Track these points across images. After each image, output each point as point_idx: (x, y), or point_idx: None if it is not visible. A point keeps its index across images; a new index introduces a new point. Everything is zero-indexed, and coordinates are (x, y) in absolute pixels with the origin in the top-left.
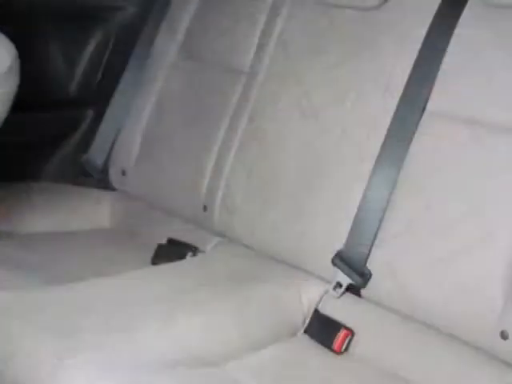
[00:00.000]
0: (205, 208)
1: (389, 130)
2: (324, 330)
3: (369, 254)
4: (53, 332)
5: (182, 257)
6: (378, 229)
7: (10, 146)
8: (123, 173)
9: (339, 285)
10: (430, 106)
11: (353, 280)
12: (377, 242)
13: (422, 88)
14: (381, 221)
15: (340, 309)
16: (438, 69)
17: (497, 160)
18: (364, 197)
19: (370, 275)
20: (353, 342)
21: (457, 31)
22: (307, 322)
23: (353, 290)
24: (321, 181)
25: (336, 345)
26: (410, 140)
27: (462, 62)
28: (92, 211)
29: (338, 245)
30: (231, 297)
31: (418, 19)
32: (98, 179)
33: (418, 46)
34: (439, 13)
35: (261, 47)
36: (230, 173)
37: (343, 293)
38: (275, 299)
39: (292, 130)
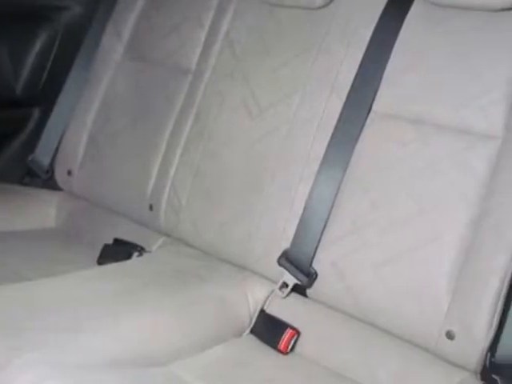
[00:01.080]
0: (151, 208)
1: (335, 130)
2: (270, 330)
3: (314, 254)
4: None
5: (127, 257)
6: (323, 229)
7: None
8: (69, 173)
9: (285, 285)
10: (375, 105)
11: (299, 280)
12: (323, 241)
13: (368, 88)
14: (326, 221)
15: (286, 309)
16: (384, 68)
17: (442, 159)
18: (310, 197)
19: (316, 275)
20: (299, 342)
21: (403, 31)
22: (253, 322)
23: (299, 289)
24: (267, 181)
25: (282, 345)
26: (355, 140)
27: (408, 61)
28: (38, 211)
29: (285, 245)
30: (177, 297)
31: (364, 19)
32: (45, 179)
33: (365, 45)
34: (385, 12)
35: (207, 47)
36: (176, 172)
37: (289, 293)
38: (221, 299)
39: (238, 129)
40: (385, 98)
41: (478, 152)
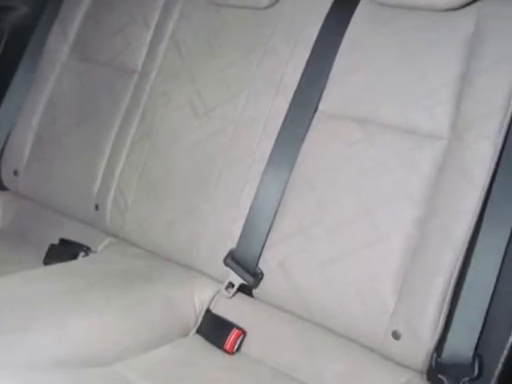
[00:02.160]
0: (97, 208)
1: (281, 130)
2: (216, 330)
3: (261, 254)
4: None
5: (73, 257)
6: (269, 229)
7: None
8: (15, 173)
9: (231, 285)
10: (322, 105)
11: (245, 280)
12: (269, 241)
13: (314, 88)
14: (273, 221)
15: (232, 309)
16: (330, 68)
17: (389, 159)
18: (255, 197)
19: (262, 275)
20: (245, 342)
21: (349, 31)
22: (199, 322)
23: (245, 290)
24: (213, 181)
25: (228, 345)
26: (301, 140)
27: (354, 61)
28: None
29: (231, 245)
30: (123, 297)
31: (310, 19)
32: None
33: (311, 45)
34: (331, 12)
35: (153, 47)
36: (122, 172)
37: (235, 293)
38: (167, 299)
39: (184, 129)
40: (331, 98)
41: (424, 152)
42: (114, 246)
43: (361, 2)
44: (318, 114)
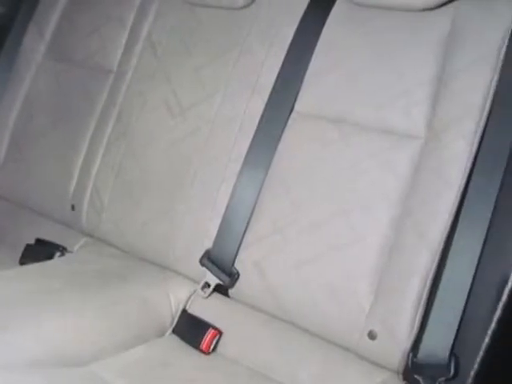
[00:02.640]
0: (73, 208)
1: (257, 130)
2: (192, 330)
3: (237, 254)
4: None
5: (49, 257)
6: (245, 229)
7: None
8: None
9: (207, 285)
10: (298, 106)
11: (221, 280)
12: (245, 241)
13: (289, 88)
14: (249, 221)
15: (208, 309)
16: (306, 69)
17: (364, 159)
18: (231, 197)
19: (238, 275)
20: (221, 342)
21: (325, 31)
22: (175, 322)
23: (221, 290)
24: (189, 181)
25: (204, 345)
26: (277, 140)
27: (330, 61)
28: None
29: (207, 245)
30: (99, 297)
31: (286, 19)
32: None
33: (286, 46)
34: (307, 12)
35: (129, 47)
36: (98, 173)
37: (211, 293)
38: (143, 299)
39: (160, 129)
40: (307, 99)
41: (400, 152)
42: (90, 246)
43: (337, 3)
44: (293, 115)
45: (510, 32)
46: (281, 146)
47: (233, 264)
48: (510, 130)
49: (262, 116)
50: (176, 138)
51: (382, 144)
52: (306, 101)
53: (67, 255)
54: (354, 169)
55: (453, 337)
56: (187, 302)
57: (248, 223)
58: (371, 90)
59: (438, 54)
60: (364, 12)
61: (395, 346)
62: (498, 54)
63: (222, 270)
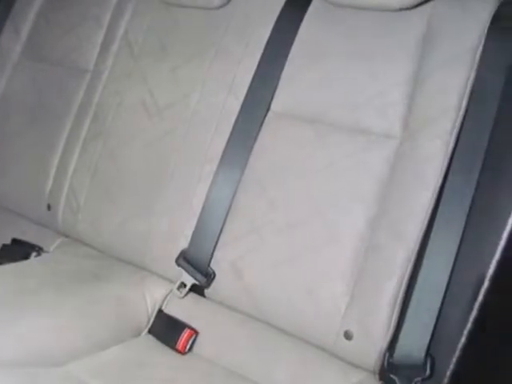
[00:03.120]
0: (49, 208)
1: (233, 130)
2: (168, 330)
3: (213, 254)
4: None
5: (25, 257)
6: (221, 229)
7: None
8: None
9: (183, 285)
10: (274, 105)
11: (197, 280)
12: (221, 241)
13: (266, 88)
14: (225, 220)
15: (184, 309)
16: (282, 68)
17: (340, 160)
18: (207, 197)
19: (214, 275)
20: (197, 342)
21: (301, 30)
22: (151, 322)
23: (197, 289)
24: (166, 180)
25: (180, 345)
26: (253, 140)
27: (306, 61)
28: None
29: (183, 245)
30: (75, 297)
31: (262, 19)
32: None
33: (263, 46)
34: (284, 12)
35: (105, 47)
36: (75, 172)
37: (187, 293)
38: (119, 299)
39: (137, 129)
40: (283, 98)
41: (375, 152)
42: (66, 246)
43: (313, 2)
44: (270, 114)
45: (486, 32)
46: (257, 146)
47: (209, 264)
48: (486, 130)
49: (239, 115)
50: (153, 138)
51: (358, 144)
52: (281, 100)
53: (43, 255)
54: (330, 169)
55: (429, 337)
56: (163, 301)
57: (224, 223)
58: (347, 89)
59: (414, 54)
60: (340, 11)
61: (371, 346)
62: (474, 53)
63: (198, 270)
